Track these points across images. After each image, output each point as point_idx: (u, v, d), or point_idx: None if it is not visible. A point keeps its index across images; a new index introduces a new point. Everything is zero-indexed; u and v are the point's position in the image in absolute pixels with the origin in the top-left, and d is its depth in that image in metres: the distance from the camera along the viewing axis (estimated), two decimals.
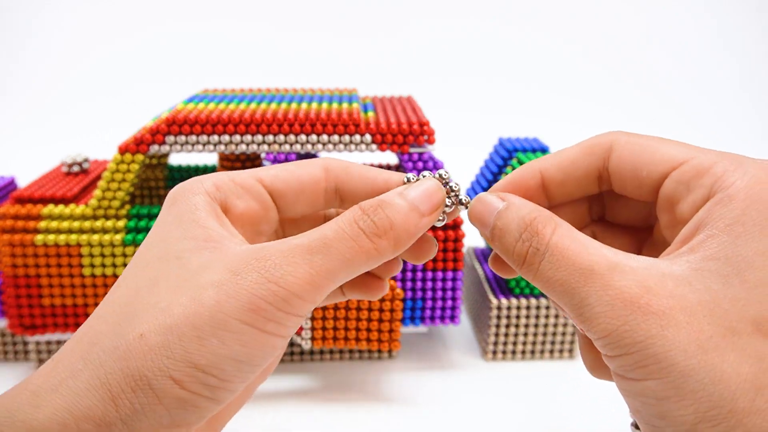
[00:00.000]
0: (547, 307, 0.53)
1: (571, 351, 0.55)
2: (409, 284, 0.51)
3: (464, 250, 0.51)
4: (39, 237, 0.47)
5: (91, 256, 0.47)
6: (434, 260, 0.50)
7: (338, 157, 0.28)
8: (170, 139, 0.47)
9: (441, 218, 0.26)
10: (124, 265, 0.48)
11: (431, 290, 0.51)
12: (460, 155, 0.71)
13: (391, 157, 0.67)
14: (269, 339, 0.22)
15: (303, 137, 0.48)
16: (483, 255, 0.60)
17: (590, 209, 0.29)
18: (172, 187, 0.46)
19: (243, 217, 0.26)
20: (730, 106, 1.26)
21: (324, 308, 0.48)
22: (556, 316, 0.53)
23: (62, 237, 0.47)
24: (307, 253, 0.22)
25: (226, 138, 0.47)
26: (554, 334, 0.54)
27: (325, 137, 0.48)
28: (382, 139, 0.48)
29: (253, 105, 0.50)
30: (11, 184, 0.56)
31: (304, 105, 0.51)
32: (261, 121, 0.47)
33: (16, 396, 0.21)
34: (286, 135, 0.48)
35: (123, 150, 0.48)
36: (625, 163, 0.25)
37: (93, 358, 0.21)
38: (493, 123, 1.06)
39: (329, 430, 0.46)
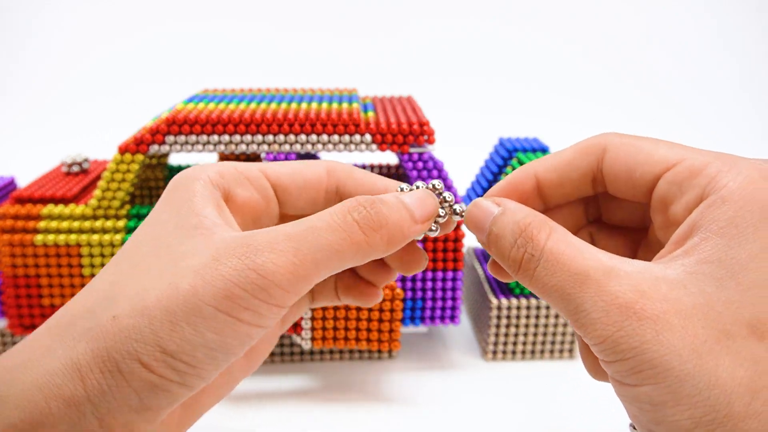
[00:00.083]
0: (547, 308, 0.53)
1: (571, 351, 0.55)
2: (409, 284, 0.51)
3: (464, 250, 0.51)
4: (39, 237, 0.47)
5: (91, 256, 0.47)
6: (434, 260, 0.50)
7: (338, 157, 0.28)
8: (170, 139, 0.47)
9: (434, 228, 0.26)
10: None
11: (431, 290, 0.51)
12: (460, 155, 0.71)
13: (391, 157, 0.67)
14: (244, 328, 0.21)
15: (303, 137, 0.48)
16: (483, 255, 0.60)
17: (587, 211, 0.29)
18: None
19: (244, 207, 0.26)
20: (729, 106, 1.26)
21: (324, 308, 0.48)
22: (556, 317, 0.53)
23: (62, 237, 0.47)
24: (293, 242, 0.22)
25: (226, 138, 0.47)
26: (554, 334, 0.54)
27: (325, 137, 0.48)
28: (382, 139, 0.48)
29: (253, 105, 0.50)
30: (11, 184, 0.56)
31: (304, 105, 0.51)
32: (261, 121, 0.47)
33: None
34: (286, 135, 0.48)
35: (123, 150, 0.48)
36: (618, 165, 0.25)
37: (67, 338, 0.21)
38: (493, 123, 1.06)
39: (329, 430, 0.46)
